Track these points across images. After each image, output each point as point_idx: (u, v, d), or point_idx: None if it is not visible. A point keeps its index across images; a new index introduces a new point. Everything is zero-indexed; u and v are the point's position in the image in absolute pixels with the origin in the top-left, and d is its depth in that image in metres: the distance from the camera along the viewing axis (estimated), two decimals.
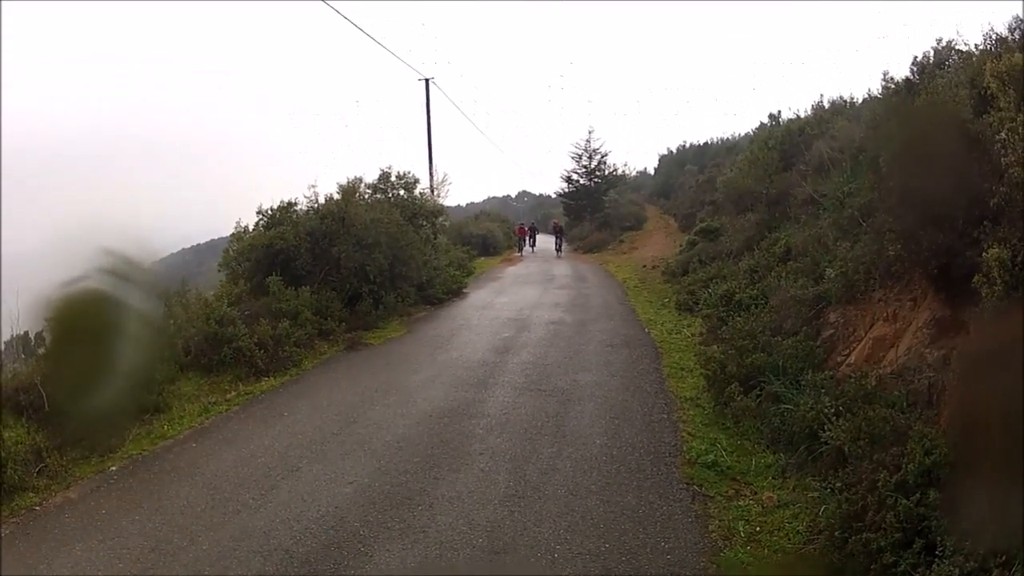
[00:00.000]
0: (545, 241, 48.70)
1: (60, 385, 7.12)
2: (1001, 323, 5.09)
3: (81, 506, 7.09)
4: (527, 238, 46.46)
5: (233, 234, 16.78)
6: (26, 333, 9.41)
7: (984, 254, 5.79)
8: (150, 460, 8.32)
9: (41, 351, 8.88)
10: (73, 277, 3.26)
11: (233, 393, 10.80)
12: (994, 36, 9.03)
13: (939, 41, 10.61)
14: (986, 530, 3.96)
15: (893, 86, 12.43)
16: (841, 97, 21.55)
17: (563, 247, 43.80)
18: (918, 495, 5.01)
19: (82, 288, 3.33)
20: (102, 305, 3.43)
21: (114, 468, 8.04)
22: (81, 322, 3.47)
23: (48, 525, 6.69)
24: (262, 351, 12.00)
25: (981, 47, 9.23)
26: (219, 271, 16.51)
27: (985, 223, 6.12)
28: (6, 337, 9.74)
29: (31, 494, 7.30)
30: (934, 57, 10.58)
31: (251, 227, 16.85)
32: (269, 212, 17.16)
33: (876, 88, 16.18)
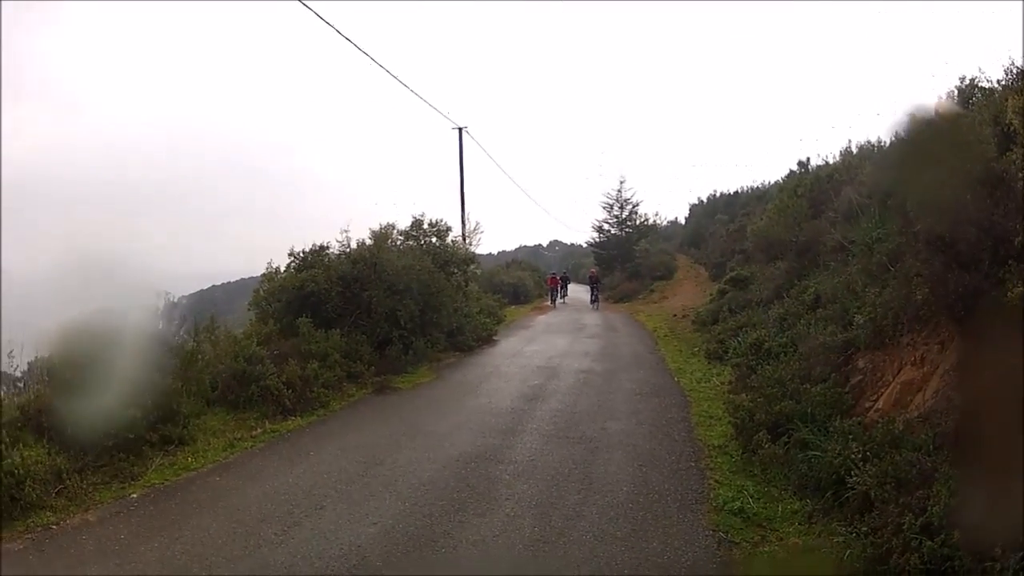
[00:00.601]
0: (576, 291, 48.15)
1: (82, 411, 7.21)
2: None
3: (99, 529, 7.17)
4: (559, 288, 43.73)
5: (264, 274, 17.02)
6: (50, 356, 9.53)
7: (1009, 294, 5.76)
8: (172, 490, 8.38)
9: (65, 375, 8.99)
10: (99, 307, 3.34)
11: (259, 430, 10.85)
12: (1015, 70, 9.01)
13: (962, 80, 10.61)
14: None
15: (919, 128, 12.42)
16: (869, 141, 21.55)
17: (599, 298, 40.60)
18: (943, 536, 4.94)
19: (106, 319, 3.41)
20: (125, 336, 3.50)
21: (135, 495, 8.11)
22: (104, 352, 3.55)
23: (64, 544, 6.78)
24: (290, 391, 12.08)
25: (1003, 82, 9.22)
26: (249, 310, 16.72)
27: (1010, 262, 6.09)
28: (30, 358, 9.88)
29: (48, 513, 7.40)
30: (958, 96, 10.57)
31: (283, 268, 17.07)
32: (301, 255, 17.34)
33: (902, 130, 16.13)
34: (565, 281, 45.98)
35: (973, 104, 9.56)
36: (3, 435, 7.74)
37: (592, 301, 40.06)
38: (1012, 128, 6.72)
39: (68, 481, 7.84)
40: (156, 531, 7.11)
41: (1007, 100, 7.14)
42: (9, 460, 7.51)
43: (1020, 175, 6.14)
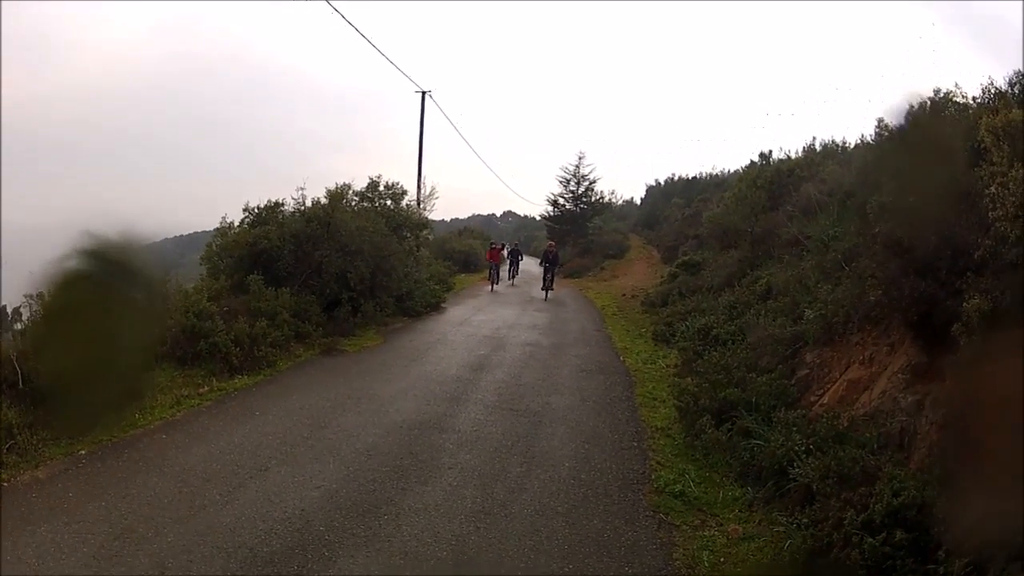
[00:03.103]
0: (529, 266, 39.89)
1: (41, 365, 7.07)
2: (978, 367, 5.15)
3: (49, 487, 7.04)
4: (509, 264, 35.23)
5: (218, 229, 16.83)
6: (3, 308, 9.33)
7: (965, 304, 5.88)
8: (120, 447, 8.23)
9: (17, 327, 8.79)
10: (57, 257, 3.25)
11: (206, 388, 10.72)
12: (993, 90, 9.16)
13: (937, 92, 10.74)
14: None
15: (887, 134, 12.58)
16: (833, 140, 21.76)
17: (554, 281, 29.08)
18: (884, 534, 5.05)
19: (66, 268, 3.31)
20: (86, 286, 3.41)
21: (84, 452, 7.94)
22: (63, 303, 3.46)
23: (14, 503, 6.64)
24: (238, 348, 11.96)
25: (979, 100, 9.36)
26: (201, 265, 16.50)
27: (968, 274, 6.22)
28: None
29: None
30: (931, 107, 10.69)
31: (236, 224, 16.86)
32: (255, 210, 17.16)
33: (869, 133, 16.39)
34: (515, 256, 36.02)
35: (946, 117, 9.69)
36: None
37: (545, 287, 28.57)
38: (983, 145, 6.85)
39: (19, 437, 7.67)
40: (103, 489, 7.03)
41: (981, 118, 7.26)
42: None
43: (987, 192, 6.26)
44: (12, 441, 7.61)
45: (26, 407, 7.97)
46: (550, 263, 28.84)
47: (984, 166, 6.62)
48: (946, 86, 10.52)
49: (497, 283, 31.70)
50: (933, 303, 6.69)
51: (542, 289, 28.49)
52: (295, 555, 5.92)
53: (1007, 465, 2.87)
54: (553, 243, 32.70)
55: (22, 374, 8.04)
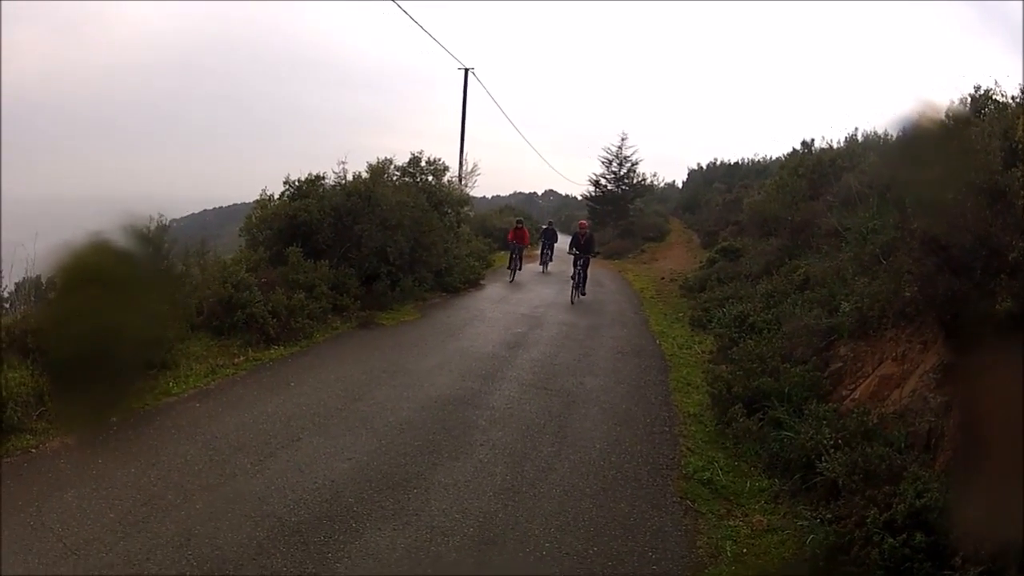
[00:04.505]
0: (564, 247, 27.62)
1: (69, 333, 7.23)
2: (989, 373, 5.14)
3: (78, 453, 7.14)
4: (541, 247, 29.52)
5: (257, 201, 16.91)
6: (38, 277, 9.47)
7: (997, 307, 5.83)
8: (152, 415, 8.37)
9: (52, 295, 8.95)
10: (92, 231, 3.32)
11: (242, 358, 10.86)
12: None
13: (977, 89, 10.57)
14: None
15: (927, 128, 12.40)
16: (875, 131, 21.41)
17: (587, 275, 20.84)
18: (905, 536, 5.06)
19: (99, 241, 3.38)
20: (117, 259, 3.48)
21: (114, 419, 8.06)
22: (95, 274, 3.53)
23: (43, 468, 6.77)
24: (275, 319, 12.09)
25: (1018, 99, 9.21)
26: (240, 236, 16.68)
27: (1002, 276, 6.15)
28: (18, 279, 9.85)
29: (29, 436, 7.35)
30: (970, 104, 10.52)
31: (276, 196, 16.95)
32: (296, 183, 17.20)
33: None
34: (550, 237, 29.07)
35: (984, 115, 9.55)
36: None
37: (576, 281, 20.37)
38: (1020, 146, 6.75)
39: (49, 403, 7.71)
40: (133, 456, 7.15)
41: (1019, 117, 7.15)
42: None
43: (1022, 192, 6.18)
44: (42, 408, 7.70)
45: (59, 374, 8.06)
46: (581, 250, 20.89)
47: (1020, 166, 6.53)
48: (986, 83, 10.37)
49: (520, 271, 25.58)
50: (966, 303, 6.61)
51: (573, 279, 20.57)
52: (322, 526, 6.03)
53: (1011, 470, 2.89)
54: (585, 223, 22.96)
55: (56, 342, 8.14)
